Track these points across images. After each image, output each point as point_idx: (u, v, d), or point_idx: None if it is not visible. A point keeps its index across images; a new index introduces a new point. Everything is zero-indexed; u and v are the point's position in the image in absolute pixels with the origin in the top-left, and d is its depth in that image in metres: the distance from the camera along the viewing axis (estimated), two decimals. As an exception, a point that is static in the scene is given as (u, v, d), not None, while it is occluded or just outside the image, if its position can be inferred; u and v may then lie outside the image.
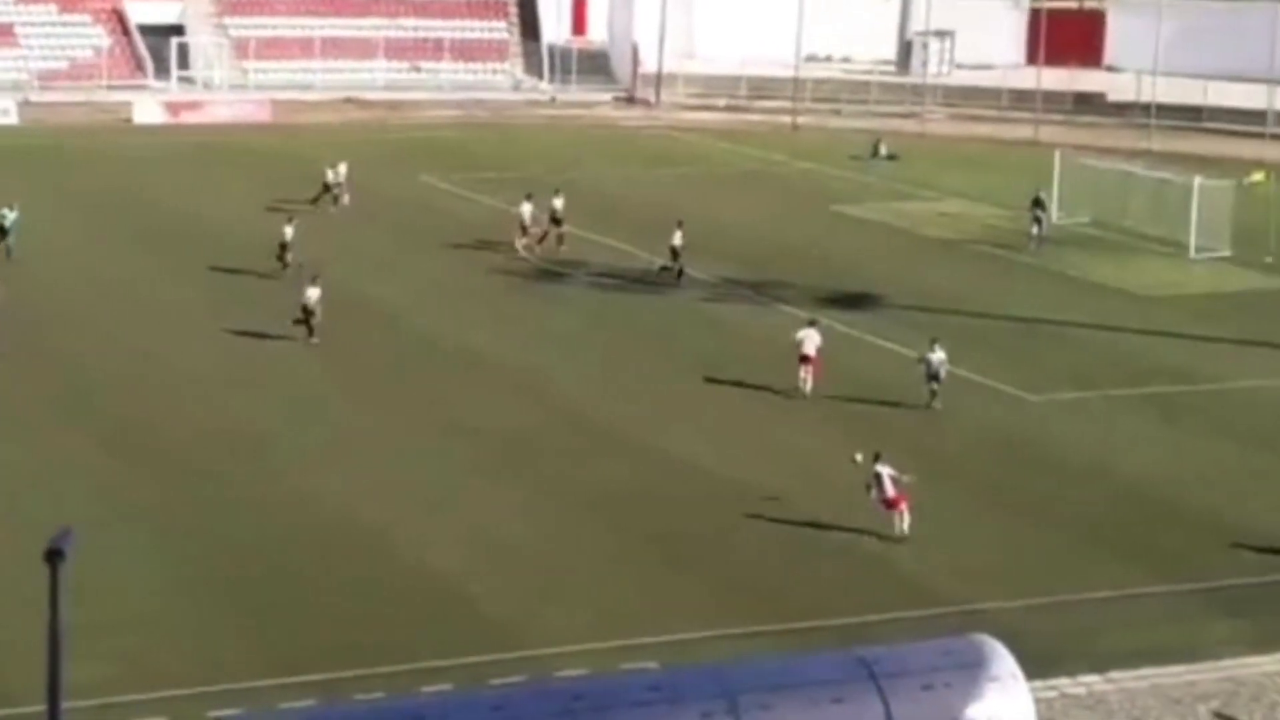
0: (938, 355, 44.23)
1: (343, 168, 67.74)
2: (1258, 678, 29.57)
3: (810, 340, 44.85)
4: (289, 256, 55.74)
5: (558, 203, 61.27)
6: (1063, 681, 28.92)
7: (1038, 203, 65.00)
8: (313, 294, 48.45)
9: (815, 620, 31.22)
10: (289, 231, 56.39)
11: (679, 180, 75.43)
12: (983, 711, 22.26)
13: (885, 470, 35.74)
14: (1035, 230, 64.31)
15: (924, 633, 28.60)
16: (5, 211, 58.22)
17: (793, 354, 45.23)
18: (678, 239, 56.92)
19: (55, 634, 19.47)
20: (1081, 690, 28.83)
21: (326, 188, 67.12)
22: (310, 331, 48.04)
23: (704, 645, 30.02)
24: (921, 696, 22.26)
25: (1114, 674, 29.46)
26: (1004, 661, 22.89)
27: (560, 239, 60.66)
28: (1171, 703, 28.52)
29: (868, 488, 35.68)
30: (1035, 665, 25.31)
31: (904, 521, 35.60)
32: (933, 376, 44.13)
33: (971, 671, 22.63)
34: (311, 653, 29.75)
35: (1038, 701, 24.11)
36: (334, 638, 30.39)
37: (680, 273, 56.62)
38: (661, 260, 57.17)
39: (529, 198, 61.05)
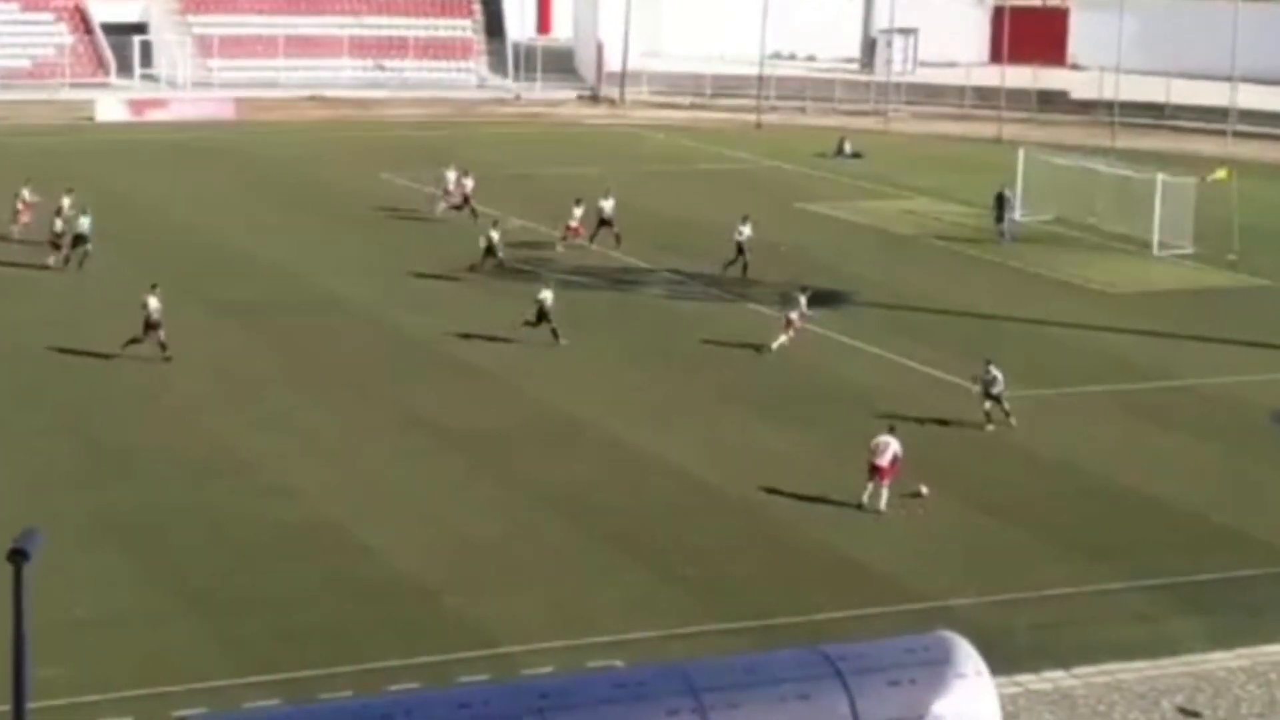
0: (992, 373, 42.27)
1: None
2: (1221, 673, 29.70)
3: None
4: None
5: (607, 204, 61.04)
6: (1028, 678, 29.01)
7: (1001, 199, 65.20)
8: (153, 302, 46.11)
9: (781, 617, 31.26)
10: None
11: (644, 178, 75.33)
12: (948, 708, 22.34)
13: (892, 442, 36.72)
14: (1001, 226, 64.54)
15: (889, 629, 28.68)
16: (83, 219, 56.34)
17: (763, 359, 45.23)
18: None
19: (19, 635, 19.42)
20: (1047, 686, 28.93)
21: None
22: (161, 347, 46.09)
23: (670, 643, 30.05)
24: (887, 693, 22.34)
25: (1079, 670, 29.56)
26: (969, 658, 22.98)
27: (618, 239, 60.52)
28: (1136, 698, 28.64)
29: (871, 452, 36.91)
30: (1000, 661, 25.42)
31: (880, 497, 36.25)
32: (993, 397, 42.25)
33: (937, 668, 22.72)
34: (277, 651, 29.69)
35: (1003, 698, 24.21)
36: (300, 636, 30.33)
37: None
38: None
39: (579, 203, 61.14)
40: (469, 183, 64.86)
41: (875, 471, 36.78)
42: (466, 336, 49.87)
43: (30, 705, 20.05)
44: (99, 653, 29.49)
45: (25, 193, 61.17)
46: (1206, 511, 37.60)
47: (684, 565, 33.92)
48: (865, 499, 36.76)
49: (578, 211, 60.88)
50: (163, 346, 45.90)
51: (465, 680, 28.09)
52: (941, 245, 64.55)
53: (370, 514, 36.20)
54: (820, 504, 37.28)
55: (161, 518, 35.73)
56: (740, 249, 57.32)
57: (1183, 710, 28.30)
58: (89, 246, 56.30)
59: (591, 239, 60.74)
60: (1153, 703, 28.49)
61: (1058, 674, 29.39)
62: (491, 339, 49.57)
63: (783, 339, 48.28)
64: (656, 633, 30.65)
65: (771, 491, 37.97)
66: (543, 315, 48.38)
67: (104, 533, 34.72)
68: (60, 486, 37.31)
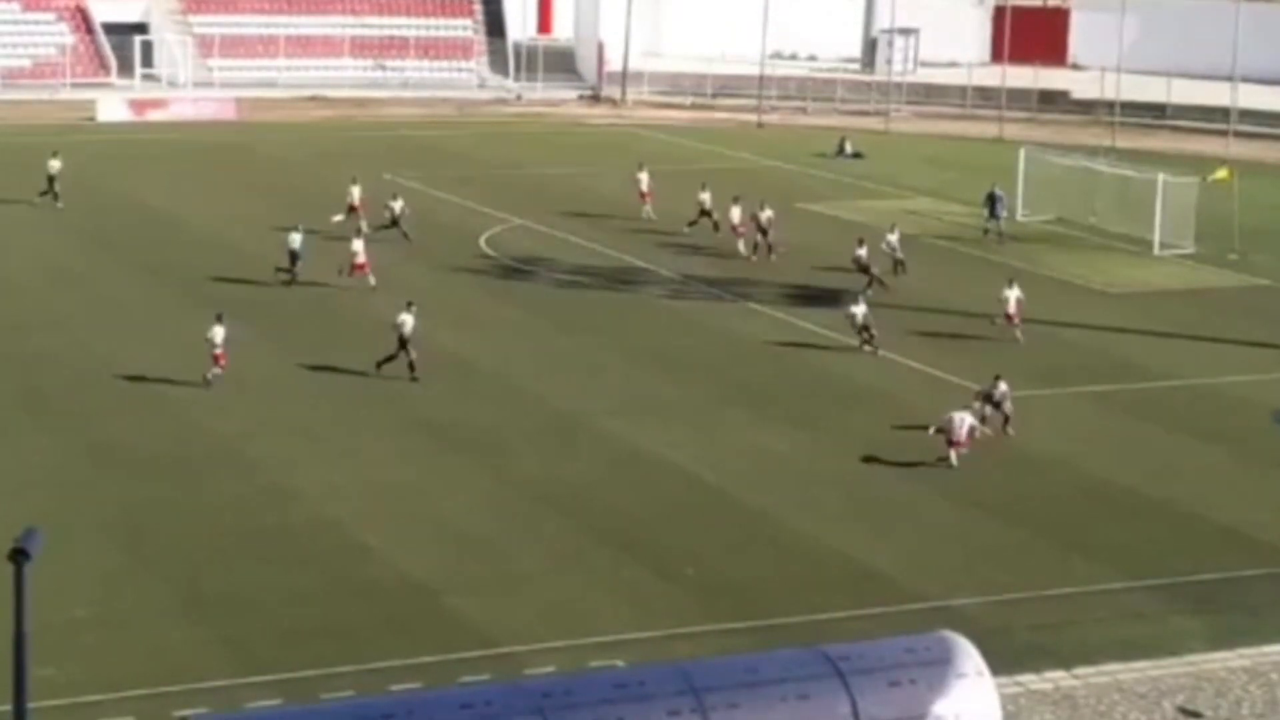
0: (1000, 389, 42.34)
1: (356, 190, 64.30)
2: (1221, 673, 29.71)
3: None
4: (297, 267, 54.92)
5: (766, 214, 60.22)
6: (1029, 678, 29.01)
7: (992, 198, 65.12)
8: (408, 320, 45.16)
9: (782, 617, 31.27)
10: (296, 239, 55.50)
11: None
12: (949, 708, 22.35)
13: (967, 419, 39.14)
14: (992, 225, 64.50)
15: (890, 629, 28.69)
16: (294, 235, 55.26)
17: (760, 353, 45.20)
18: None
19: (20, 635, 19.43)
20: (1048, 686, 28.93)
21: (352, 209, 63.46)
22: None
23: (670, 643, 30.06)
24: (888, 693, 22.35)
25: (1080, 670, 29.56)
26: (970, 658, 22.99)
27: (770, 249, 60.00)
28: (1137, 698, 28.64)
29: (938, 430, 39.23)
30: (1001, 661, 25.45)
31: (953, 457, 39.18)
32: (996, 404, 42.17)
33: (938, 668, 22.73)
34: (278, 652, 29.70)
35: (1004, 698, 24.22)
36: (300, 636, 30.34)
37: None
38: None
39: (736, 200, 61.69)
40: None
41: (952, 444, 39.13)
42: (467, 336, 49.87)
43: (30, 705, 20.06)
44: (99, 653, 29.50)
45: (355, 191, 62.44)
46: (1206, 511, 37.60)
47: (684, 565, 33.93)
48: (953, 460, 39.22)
49: (736, 211, 61.30)
50: (412, 367, 44.80)
51: (466, 680, 28.10)
52: (942, 245, 64.52)
53: (370, 514, 36.20)
54: (820, 504, 37.29)
55: (162, 518, 35.73)
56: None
57: (1183, 710, 28.30)
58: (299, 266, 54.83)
59: (754, 249, 60.13)
60: (1154, 703, 28.50)
61: (1058, 674, 29.39)
62: (491, 339, 49.59)
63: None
64: (656, 633, 30.66)
65: (772, 491, 37.98)
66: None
67: (104, 533, 34.73)
68: (61, 486, 37.31)
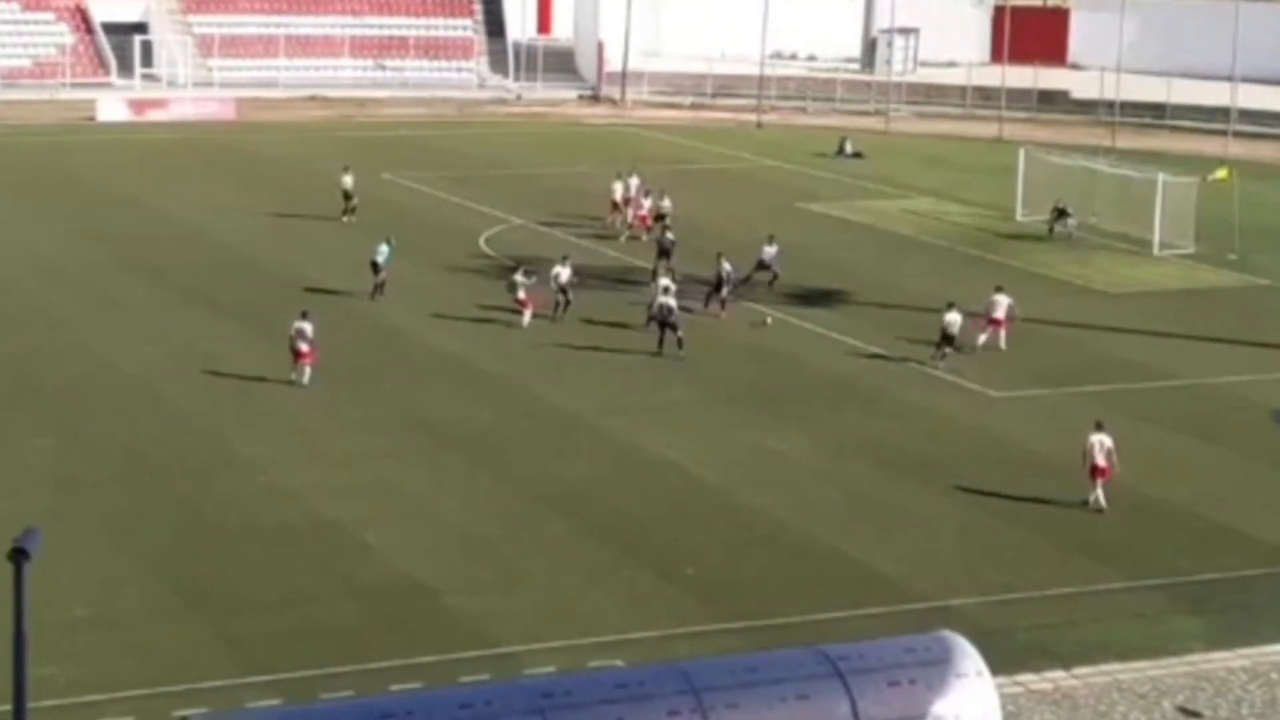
0: (952, 315, 47.51)
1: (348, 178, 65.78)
2: (1221, 673, 29.71)
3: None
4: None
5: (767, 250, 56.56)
6: (1028, 678, 29.01)
7: (1061, 212, 65.07)
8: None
9: (781, 618, 31.27)
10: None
11: (643, 178, 75.32)
12: (949, 708, 22.34)
13: (1104, 439, 37.21)
14: (1061, 227, 64.53)
15: (890, 629, 28.68)
16: (382, 247, 54.65)
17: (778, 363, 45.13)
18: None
19: (20, 634, 19.43)
20: (1047, 686, 28.93)
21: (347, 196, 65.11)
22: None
23: (670, 643, 30.06)
24: (888, 693, 22.34)
25: (1079, 670, 29.56)
26: (970, 658, 22.98)
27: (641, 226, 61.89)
28: (1137, 698, 28.64)
29: (1084, 455, 37.43)
30: (1001, 661, 25.46)
31: (1100, 493, 36.99)
32: (947, 339, 47.18)
33: (937, 668, 22.72)
34: (277, 651, 29.69)
35: (1003, 697, 24.22)
36: (300, 636, 30.33)
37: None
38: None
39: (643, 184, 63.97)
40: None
41: (1095, 472, 37.23)
42: (466, 336, 49.89)
43: (30, 705, 20.06)
44: (99, 652, 29.50)
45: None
46: (1206, 511, 37.60)
47: (684, 565, 33.92)
48: (1091, 500, 37.11)
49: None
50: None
51: (466, 680, 28.09)
52: (942, 245, 64.54)
53: (370, 514, 36.19)
54: (820, 504, 37.29)
55: (162, 517, 35.72)
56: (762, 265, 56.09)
57: (1183, 710, 28.30)
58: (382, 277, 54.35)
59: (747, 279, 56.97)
60: (1153, 703, 28.50)
61: (1058, 674, 29.38)
62: (491, 338, 49.59)
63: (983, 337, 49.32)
64: (656, 633, 30.66)
65: (772, 491, 37.97)
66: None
67: (104, 532, 34.72)
68: (59, 486, 37.31)
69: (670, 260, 55.88)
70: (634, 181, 66.01)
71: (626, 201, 64.87)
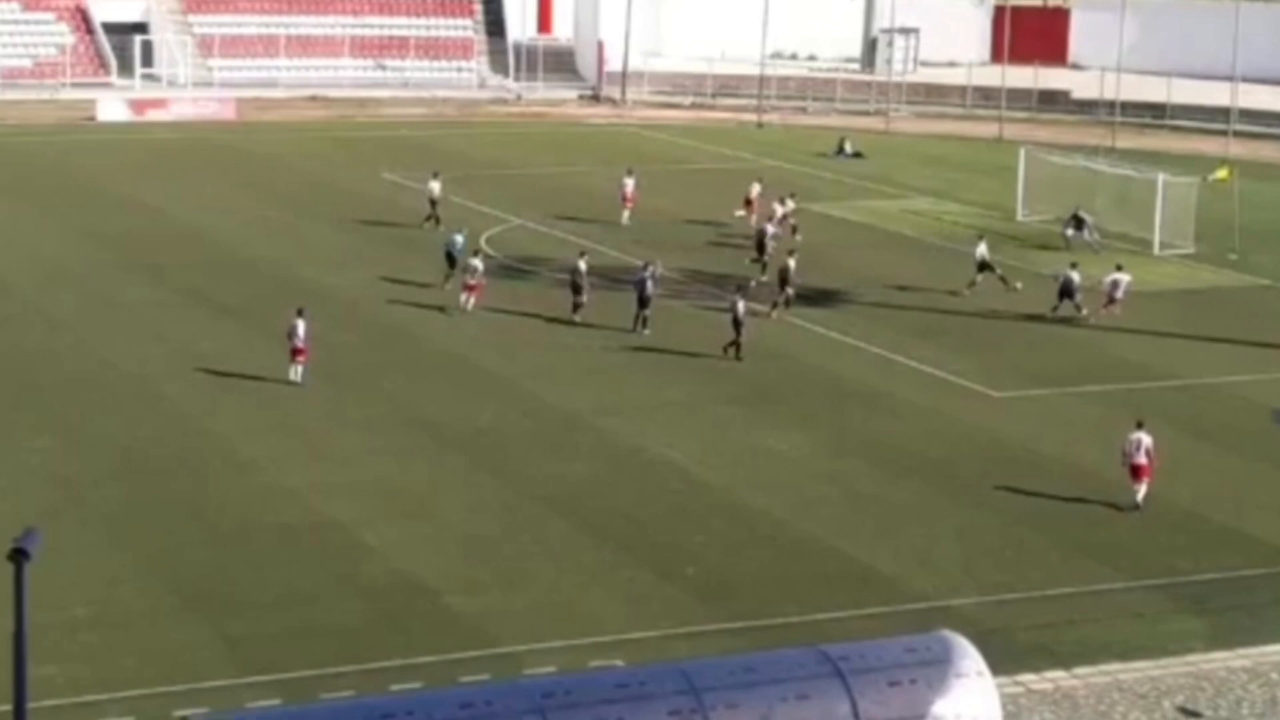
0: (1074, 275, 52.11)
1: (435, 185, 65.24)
2: (1221, 673, 29.70)
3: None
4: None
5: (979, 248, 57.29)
6: (1029, 677, 29.01)
7: (1079, 220, 64.24)
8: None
9: (781, 617, 31.27)
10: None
11: (645, 178, 75.30)
12: (949, 708, 22.34)
13: (1144, 438, 37.06)
14: (1078, 234, 63.64)
15: (890, 629, 28.68)
16: (456, 238, 55.00)
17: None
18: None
19: (20, 634, 19.43)
20: (1048, 686, 28.93)
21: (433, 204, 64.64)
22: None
23: (671, 643, 30.06)
24: (888, 693, 22.33)
25: (1080, 670, 29.56)
26: (970, 658, 22.98)
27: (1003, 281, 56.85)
28: (1137, 698, 28.64)
29: (1124, 454, 37.35)
30: (1001, 661, 25.45)
31: (1141, 492, 36.98)
32: (1067, 293, 52.09)
33: (938, 668, 22.72)
34: (277, 651, 29.69)
35: (1004, 697, 24.22)
36: (300, 636, 30.33)
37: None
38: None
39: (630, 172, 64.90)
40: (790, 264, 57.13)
41: (1136, 471, 37.25)
42: (466, 336, 49.89)
43: (30, 705, 20.06)
44: (99, 652, 29.49)
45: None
46: (1206, 511, 37.59)
47: (684, 565, 33.92)
48: (1139, 500, 37.12)
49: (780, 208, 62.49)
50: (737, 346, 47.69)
51: (466, 680, 28.09)
52: (942, 245, 64.52)
53: (370, 514, 36.18)
54: (819, 503, 37.28)
55: (162, 517, 35.71)
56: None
57: (1183, 710, 28.30)
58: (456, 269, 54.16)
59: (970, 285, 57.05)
60: (1154, 703, 28.49)
61: (1058, 674, 29.38)
62: (491, 338, 49.59)
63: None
64: (656, 633, 30.65)
65: (772, 491, 37.97)
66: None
67: (104, 532, 34.71)
68: (59, 486, 37.31)
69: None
70: (629, 181, 66.65)
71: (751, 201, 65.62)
